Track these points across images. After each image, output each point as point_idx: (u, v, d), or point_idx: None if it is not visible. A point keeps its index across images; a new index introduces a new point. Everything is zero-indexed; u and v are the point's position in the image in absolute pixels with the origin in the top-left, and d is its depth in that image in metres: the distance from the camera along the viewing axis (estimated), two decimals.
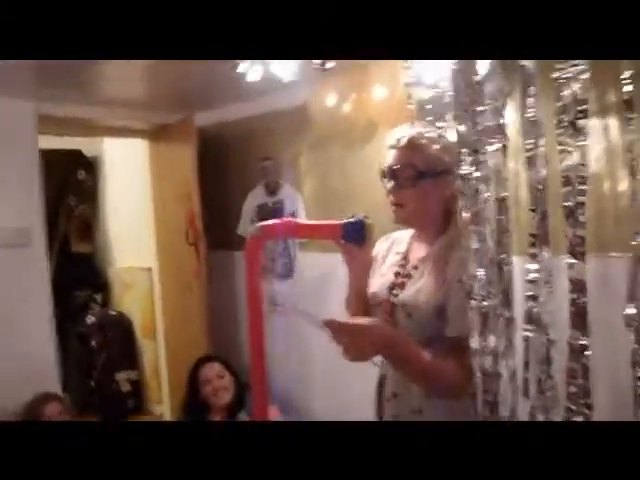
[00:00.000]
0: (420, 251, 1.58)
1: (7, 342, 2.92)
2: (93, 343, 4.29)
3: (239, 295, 3.56)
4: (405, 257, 1.61)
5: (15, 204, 3.01)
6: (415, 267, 1.56)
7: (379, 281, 1.63)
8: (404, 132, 1.54)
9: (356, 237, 1.56)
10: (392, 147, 1.54)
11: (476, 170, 1.38)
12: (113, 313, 4.53)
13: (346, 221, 1.55)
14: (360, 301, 1.66)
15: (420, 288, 1.51)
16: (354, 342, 1.33)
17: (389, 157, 1.54)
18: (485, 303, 1.35)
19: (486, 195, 1.35)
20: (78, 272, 4.69)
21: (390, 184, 1.53)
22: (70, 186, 4.66)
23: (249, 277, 1.55)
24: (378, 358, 1.46)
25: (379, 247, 1.71)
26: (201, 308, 3.70)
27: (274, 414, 2.75)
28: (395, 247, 1.67)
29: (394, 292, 1.56)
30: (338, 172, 3.07)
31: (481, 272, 1.35)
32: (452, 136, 1.49)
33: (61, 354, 3.26)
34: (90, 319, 4.38)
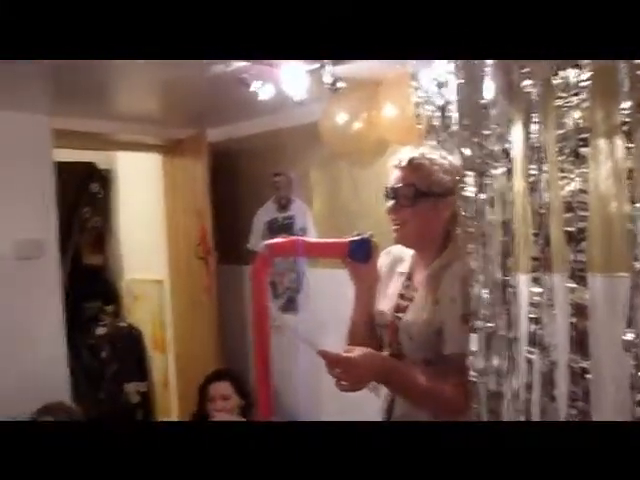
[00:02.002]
0: (421, 273, 1.60)
1: (19, 353, 2.96)
2: (103, 354, 4.31)
3: (249, 309, 3.58)
4: (409, 278, 1.64)
5: (30, 216, 3.05)
6: (416, 289, 1.59)
7: (384, 303, 1.65)
8: (407, 153, 1.58)
9: (361, 255, 1.59)
10: (395, 167, 1.58)
11: (481, 192, 1.41)
12: (123, 325, 4.55)
13: (352, 239, 1.58)
14: (366, 319, 1.68)
15: (419, 310, 1.53)
16: (346, 374, 1.37)
17: (392, 177, 1.58)
18: (489, 324, 1.37)
19: (490, 217, 1.37)
20: (89, 284, 4.71)
21: (390, 203, 1.56)
22: (83, 198, 4.70)
23: (255, 295, 1.58)
24: (373, 384, 1.48)
25: (382, 261, 1.74)
26: (211, 322, 3.72)
27: None
28: (398, 266, 1.69)
29: (398, 315, 1.59)
30: (348, 188, 3.10)
31: (485, 293, 1.37)
32: (457, 158, 1.52)
33: (71, 365, 3.28)
34: (100, 331, 4.40)
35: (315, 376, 1.42)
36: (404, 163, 1.55)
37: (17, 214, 3.01)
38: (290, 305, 3.37)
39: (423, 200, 1.52)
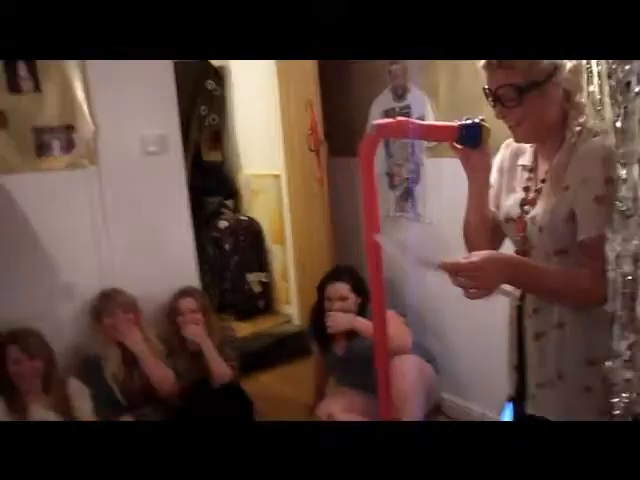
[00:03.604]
0: (545, 163, 1.52)
1: (151, 245, 3.13)
2: (226, 246, 4.51)
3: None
4: (532, 170, 1.55)
5: (153, 113, 3.13)
6: (543, 180, 1.50)
7: (510, 198, 1.59)
8: None
9: (471, 140, 1.52)
10: (485, 68, 1.44)
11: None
12: (244, 218, 4.71)
13: (462, 123, 1.52)
14: (481, 213, 1.61)
15: (547, 200, 1.46)
16: (471, 281, 1.30)
17: (486, 78, 1.45)
18: (629, 205, 1.29)
19: (637, 89, 1.26)
20: (209, 180, 4.88)
21: (496, 107, 1.45)
22: (201, 97, 4.78)
23: (363, 176, 1.57)
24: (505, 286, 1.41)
25: (502, 155, 1.65)
26: (324, 215, 3.78)
27: (400, 328, 2.77)
28: (520, 159, 1.60)
29: (525, 209, 1.52)
30: (468, 75, 2.96)
31: (623, 173, 1.29)
32: None
33: (198, 257, 3.45)
34: (223, 224, 4.59)
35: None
36: (494, 63, 1.40)
37: (142, 110, 3.10)
38: (407, 196, 3.34)
39: (528, 94, 1.39)
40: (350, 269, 3.06)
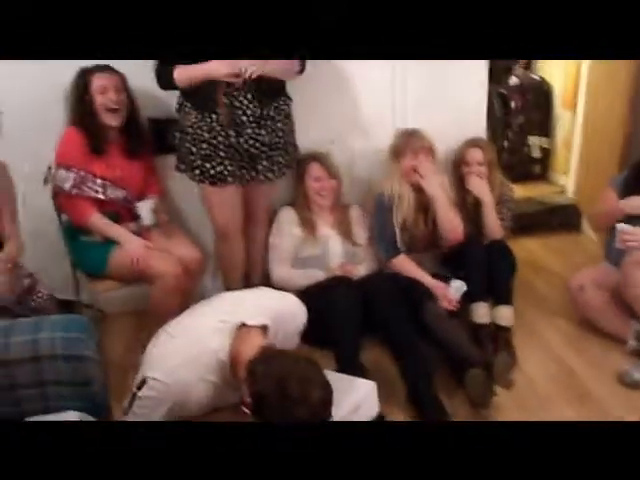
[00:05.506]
0: None
1: (444, 92, 3.15)
2: (513, 104, 4.36)
3: None
4: None
5: None
6: None
7: None
8: None
9: None
10: None
11: None
12: (535, 77, 4.48)
13: None
14: None
15: None
16: None
17: None
18: None
19: None
20: None
21: None
22: None
23: None
24: None
25: None
26: (626, 89, 3.49)
27: None
28: None
29: None
30: None
31: None
32: None
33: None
34: (513, 80, 4.41)
35: None
36: None
37: None
38: None
39: None
40: None
